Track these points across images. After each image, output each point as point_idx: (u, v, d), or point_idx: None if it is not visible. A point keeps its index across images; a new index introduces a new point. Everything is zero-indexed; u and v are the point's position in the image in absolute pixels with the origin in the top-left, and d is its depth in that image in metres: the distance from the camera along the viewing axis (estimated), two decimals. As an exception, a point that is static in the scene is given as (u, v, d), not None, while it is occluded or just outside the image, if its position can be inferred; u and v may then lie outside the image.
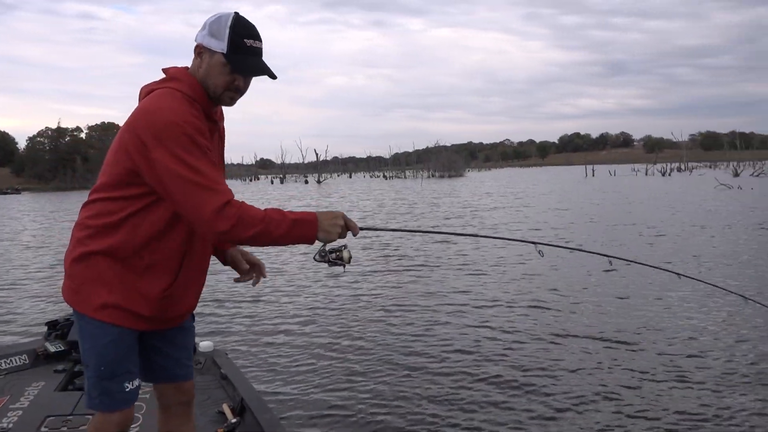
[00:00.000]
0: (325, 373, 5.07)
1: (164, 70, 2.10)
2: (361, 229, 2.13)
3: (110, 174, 2.00)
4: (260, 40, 2.02)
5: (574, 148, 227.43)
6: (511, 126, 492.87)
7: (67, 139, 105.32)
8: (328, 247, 2.08)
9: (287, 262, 10.98)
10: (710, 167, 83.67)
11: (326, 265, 2.11)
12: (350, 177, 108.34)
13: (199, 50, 2.02)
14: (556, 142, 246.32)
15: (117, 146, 1.98)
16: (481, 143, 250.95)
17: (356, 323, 6.62)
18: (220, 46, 1.96)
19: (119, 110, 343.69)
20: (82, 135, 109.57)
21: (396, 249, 12.41)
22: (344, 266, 2.11)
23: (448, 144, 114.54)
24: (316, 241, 2.03)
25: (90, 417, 3.04)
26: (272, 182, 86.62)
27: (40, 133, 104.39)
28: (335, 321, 6.75)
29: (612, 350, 5.44)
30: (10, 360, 3.91)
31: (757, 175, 46.12)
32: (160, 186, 1.91)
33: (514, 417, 4.15)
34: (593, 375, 4.85)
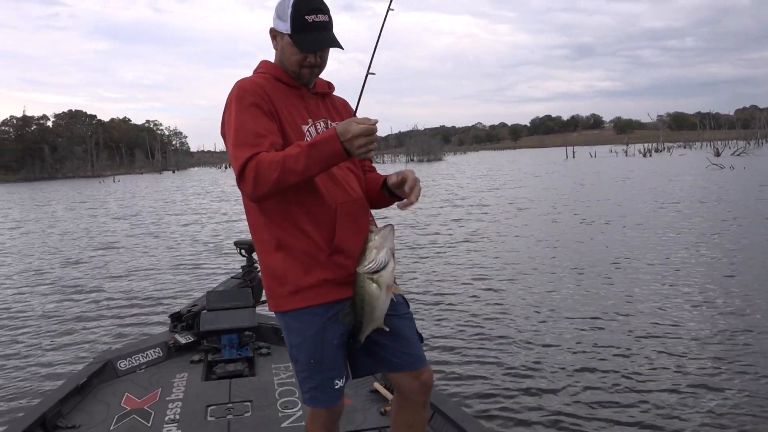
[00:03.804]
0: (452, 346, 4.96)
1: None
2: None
3: None
4: (324, 13, 2.02)
5: (546, 131, 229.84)
6: (483, 109, 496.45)
7: (33, 127, 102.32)
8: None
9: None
10: (685, 147, 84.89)
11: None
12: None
13: (273, 34, 2.09)
14: (528, 124, 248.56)
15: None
16: (453, 127, 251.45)
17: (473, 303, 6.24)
18: (285, 27, 2.00)
19: (85, 98, 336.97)
20: (49, 123, 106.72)
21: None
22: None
23: (421, 128, 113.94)
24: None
25: (248, 404, 3.32)
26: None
27: (4, 122, 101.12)
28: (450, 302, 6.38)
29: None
30: (146, 354, 4.04)
31: (739, 155, 46.70)
32: None
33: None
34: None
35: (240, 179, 1.87)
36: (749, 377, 4.42)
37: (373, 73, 2.19)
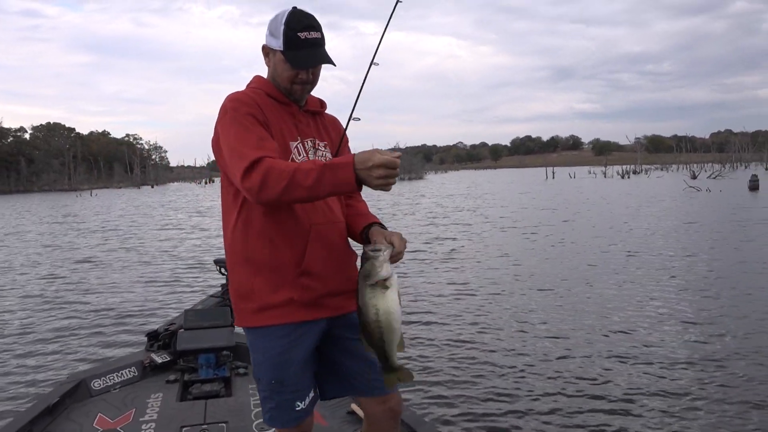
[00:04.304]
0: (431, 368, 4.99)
1: None
2: None
3: (221, 175, 2.10)
4: (317, 30, 2.03)
5: (526, 151, 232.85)
6: (464, 129, 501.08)
7: (10, 140, 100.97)
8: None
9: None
10: (662, 169, 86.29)
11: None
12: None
13: (266, 51, 2.09)
14: (508, 144, 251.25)
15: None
16: (435, 146, 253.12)
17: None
18: (278, 43, 2.01)
19: (64, 111, 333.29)
20: (26, 136, 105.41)
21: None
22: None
23: (402, 146, 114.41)
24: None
25: (223, 425, 3.24)
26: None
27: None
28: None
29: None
30: (121, 373, 3.95)
31: (714, 178, 47.55)
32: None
33: None
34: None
35: (245, 178, 1.84)
36: (723, 393, 4.45)
37: (358, 119, 2.21)
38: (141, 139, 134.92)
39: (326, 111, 2.28)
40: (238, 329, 4.33)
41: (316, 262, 2.03)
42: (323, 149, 2.16)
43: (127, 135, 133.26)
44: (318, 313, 2.06)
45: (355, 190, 1.81)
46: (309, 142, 2.12)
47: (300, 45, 2.00)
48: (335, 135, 2.24)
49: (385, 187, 1.78)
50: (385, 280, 1.84)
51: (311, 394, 2.10)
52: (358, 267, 2.00)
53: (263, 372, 2.05)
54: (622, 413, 4.23)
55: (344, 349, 2.14)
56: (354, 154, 1.80)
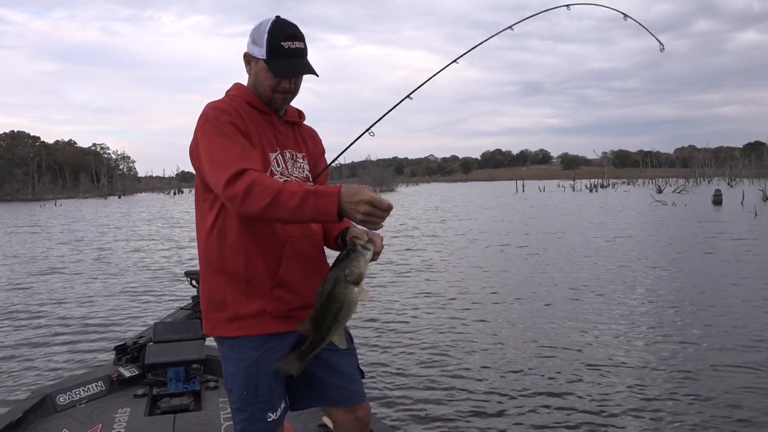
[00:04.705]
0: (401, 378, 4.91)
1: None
2: None
3: (196, 183, 2.10)
4: (300, 40, 2.04)
5: (496, 164, 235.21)
6: (435, 142, 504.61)
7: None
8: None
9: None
10: (628, 183, 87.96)
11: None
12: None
13: (247, 58, 2.10)
14: (479, 158, 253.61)
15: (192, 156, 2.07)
16: (406, 158, 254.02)
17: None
18: (261, 52, 2.02)
19: (30, 119, 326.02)
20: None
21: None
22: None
23: (374, 159, 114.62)
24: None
25: None
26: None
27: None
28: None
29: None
30: (88, 388, 3.87)
31: (679, 192, 48.62)
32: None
33: None
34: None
35: (227, 187, 1.82)
36: (687, 399, 4.54)
37: (339, 165, 2.23)
38: (108, 148, 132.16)
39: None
40: (209, 342, 4.29)
41: (291, 275, 2.03)
42: (302, 161, 2.18)
43: (94, 144, 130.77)
44: (290, 325, 2.06)
45: (335, 221, 1.79)
46: (288, 153, 2.13)
47: (283, 54, 2.00)
48: (313, 147, 2.26)
49: (368, 225, 1.77)
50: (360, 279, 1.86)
51: (282, 405, 2.11)
52: None
53: (235, 383, 2.04)
54: (589, 417, 4.32)
55: (315, 358, 2.13)
56: (342, 186, 1.79)
